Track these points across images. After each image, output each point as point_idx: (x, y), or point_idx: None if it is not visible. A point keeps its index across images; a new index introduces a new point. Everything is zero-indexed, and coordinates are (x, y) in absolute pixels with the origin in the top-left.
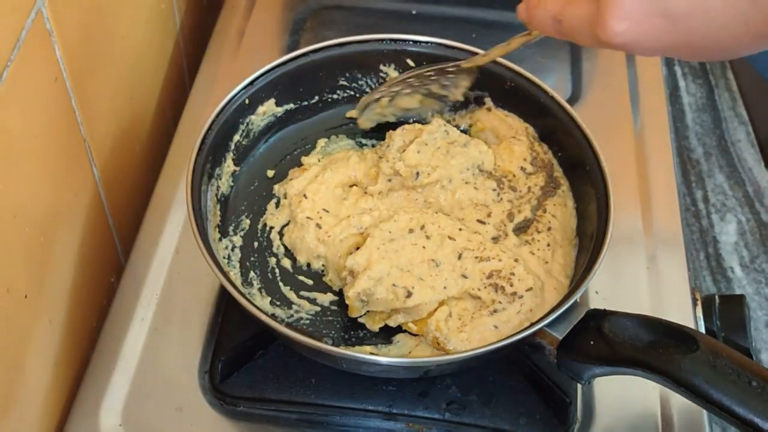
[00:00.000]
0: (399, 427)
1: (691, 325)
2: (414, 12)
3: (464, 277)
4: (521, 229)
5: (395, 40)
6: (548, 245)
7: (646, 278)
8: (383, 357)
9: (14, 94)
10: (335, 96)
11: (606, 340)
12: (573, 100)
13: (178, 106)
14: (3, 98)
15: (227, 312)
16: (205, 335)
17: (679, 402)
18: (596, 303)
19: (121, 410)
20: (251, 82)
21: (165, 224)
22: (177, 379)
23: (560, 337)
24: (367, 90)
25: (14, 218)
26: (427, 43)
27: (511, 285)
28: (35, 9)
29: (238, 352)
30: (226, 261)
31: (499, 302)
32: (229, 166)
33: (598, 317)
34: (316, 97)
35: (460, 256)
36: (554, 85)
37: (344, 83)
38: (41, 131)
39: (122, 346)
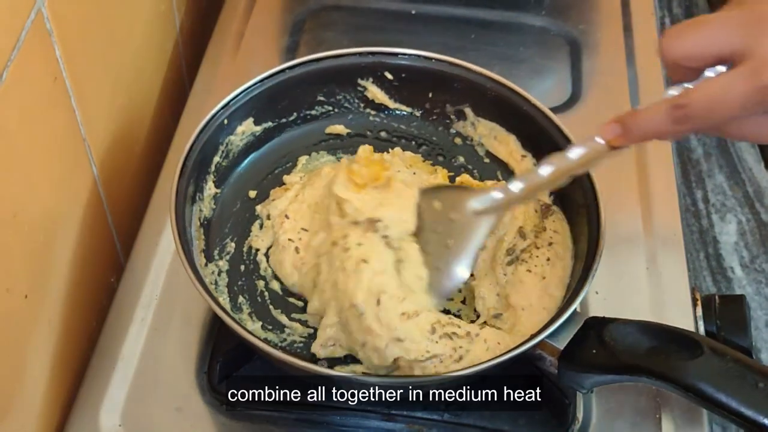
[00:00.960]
0: (399, 427)
1: (691, 325)
2: (414, 12)
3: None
4: (516, 257)
5: (373, 53)
6: (548, 260)
7: (646, 278)
8: (376, 378)
9: (14, 94)
10: (314, 112)
11: (607, 348)
12: (573, 100)
13: (177, 106)
14: (3, 98)
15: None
16: (204, 335)
17: (679, 401)
18: (596, 304)
19: (121, 410)
20: (228, 102)
21: (165, 224)
22: (176, 379)
23: (560, 348)
24: (347, 105)
25: (14, 218)
26: (405, 55)
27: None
28: (35, 9)
29: (237, 353)
30: (213, 287)
31: (460, 347)
32: (210, 188)
33: (597, 325)
34: (295, 114)
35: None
36: (554, 85)
37: (322, 99)
38: (41, 131)
39: (122, 346)
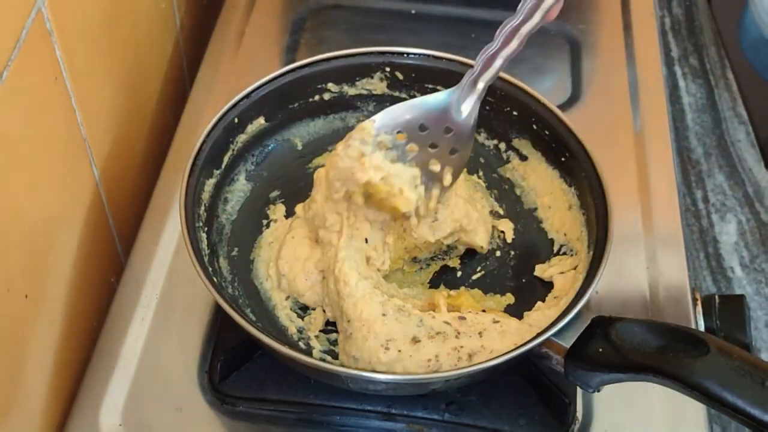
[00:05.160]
0: (399, 427)
1: (690, 325)
2: (414, 12)
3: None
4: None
5: (383, 53)
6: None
7: (646, 278)
8: (385, 375)
9: (14, 94)
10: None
11: (614, 347)
12: (573, 100)
13: (178, 106)
14: (3, 98)
15: (226, 312)
16: (205, 335)
17: (679, 402)
18: (596, 303)
19: (121, 410)
20: (239, 101)
21: (165, 224)
22: (177, 378)
23: (567, 346)
24: (357, 103)
25: (14, 218)
26: (415, 55)
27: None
28: (35, 9)
29: (238, 352)
30: (224, 283)
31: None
32: None
33: (604, 324)
34: (305, 113)
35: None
36: (554, 85)
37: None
38: (41, 131)
39: (122, 346)
